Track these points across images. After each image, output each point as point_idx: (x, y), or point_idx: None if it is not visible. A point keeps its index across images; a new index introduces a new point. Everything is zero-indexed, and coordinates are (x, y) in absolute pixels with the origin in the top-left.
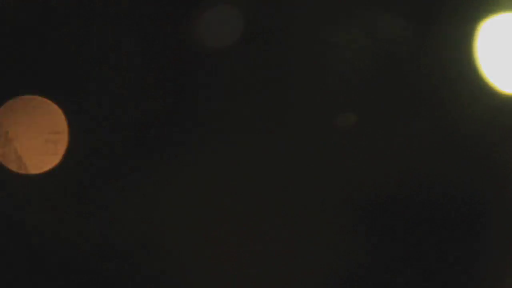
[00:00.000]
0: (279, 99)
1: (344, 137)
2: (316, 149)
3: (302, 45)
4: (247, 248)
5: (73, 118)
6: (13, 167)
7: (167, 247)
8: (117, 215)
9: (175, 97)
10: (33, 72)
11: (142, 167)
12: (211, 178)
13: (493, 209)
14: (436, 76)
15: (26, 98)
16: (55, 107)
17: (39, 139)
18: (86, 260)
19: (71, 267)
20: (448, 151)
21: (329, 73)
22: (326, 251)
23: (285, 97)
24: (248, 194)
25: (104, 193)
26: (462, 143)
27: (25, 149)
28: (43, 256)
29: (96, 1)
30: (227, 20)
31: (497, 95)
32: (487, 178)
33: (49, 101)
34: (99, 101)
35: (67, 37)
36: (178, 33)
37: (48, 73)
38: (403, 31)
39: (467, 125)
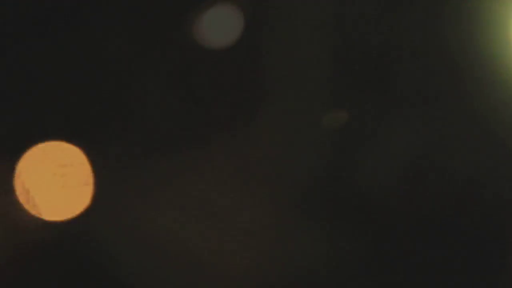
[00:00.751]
0: (279, 99)
1: (344, 138)
2: (317, 148)
3: (301, 45)
4: (246, 248)
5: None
6: (38, 213)
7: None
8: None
9: (175, 97)
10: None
11: (146, 167)
12: (209, 177)
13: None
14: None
15: (45, 144)
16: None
17: (62, 183)
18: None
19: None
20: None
21: (329, 72)
22: (323, 251)
23: (285, 97)
24: (248, 193)
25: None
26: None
27: (50, 195)
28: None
29: (95, 2)
30: (227, 20)
31: None
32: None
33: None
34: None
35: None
36: (178, 33)
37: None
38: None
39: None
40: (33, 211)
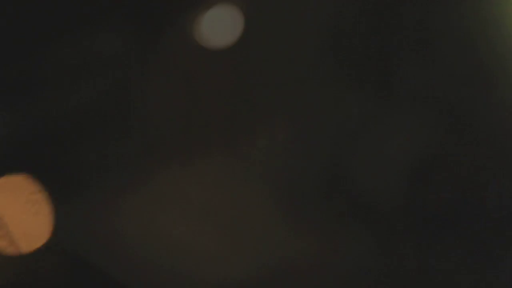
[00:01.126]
0: (279, 99)
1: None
2: (318, 148)
3: (301, 44)
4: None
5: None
6: (7, 249)
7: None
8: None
9: (175, 97)
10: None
11: (143, 167)
12: (209, 178)
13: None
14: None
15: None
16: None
17: (26, 214)
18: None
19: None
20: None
21: (330, 71)
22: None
23: (284, 97)
24: (249, 193)
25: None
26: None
27: (16, 228)
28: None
29: (95, 2)
30: (227, 20)
31: None
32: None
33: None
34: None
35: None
36: (178, 33)
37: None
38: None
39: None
40: (8, 245)
